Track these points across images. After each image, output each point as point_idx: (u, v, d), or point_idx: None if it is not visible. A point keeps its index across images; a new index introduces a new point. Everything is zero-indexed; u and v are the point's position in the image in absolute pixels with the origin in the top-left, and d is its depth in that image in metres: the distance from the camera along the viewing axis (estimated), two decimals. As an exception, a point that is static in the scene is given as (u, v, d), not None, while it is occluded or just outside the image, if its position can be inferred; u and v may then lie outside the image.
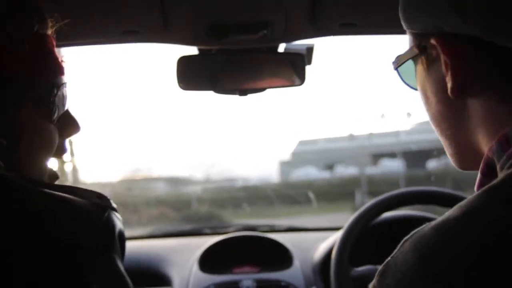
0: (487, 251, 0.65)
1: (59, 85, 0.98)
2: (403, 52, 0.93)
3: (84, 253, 0.80)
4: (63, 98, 0.99)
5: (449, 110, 0.86)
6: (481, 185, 0.80)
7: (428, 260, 0.68)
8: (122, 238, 0.87)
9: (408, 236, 0.75)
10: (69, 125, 1.03)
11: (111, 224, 0.85)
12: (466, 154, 0.89)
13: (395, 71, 0.97)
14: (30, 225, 0.79)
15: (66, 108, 1.02)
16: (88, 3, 1.38)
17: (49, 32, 0.98)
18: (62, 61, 0.99)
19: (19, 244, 0.77)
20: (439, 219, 0.72)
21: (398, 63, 0.95)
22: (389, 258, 0.76)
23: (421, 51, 0.87)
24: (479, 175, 0.82)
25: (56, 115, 0.98)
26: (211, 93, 1.68)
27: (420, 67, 0.89)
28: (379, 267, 0.78)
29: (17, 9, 0.92)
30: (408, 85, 0.97)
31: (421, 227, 0.75)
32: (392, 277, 0.73)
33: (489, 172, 0.79)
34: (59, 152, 1.02)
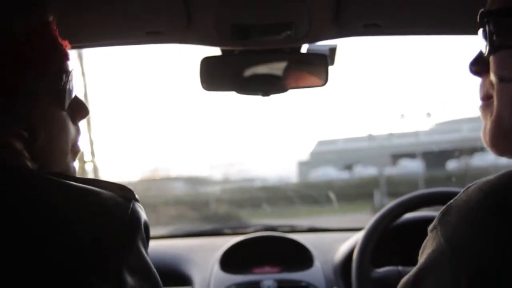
0: None
1: (68, 71, 1.00)
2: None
3: (113, 242, 0.83)
4: (72, 83, 1.01)
5: None
6: None
7: (492, 196, 0.77)
8: (146, 228, 0.90)
9: (471, 183, 0.82)
10: (78, 109, 1.05)
11: (137, 215, 0.88)
12: None
13: (489, 23, 0.90)
14: (62, 216, 0.82)
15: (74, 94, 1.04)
16: (113, 5, 1.39)
17: (51, 18, 0.98)
18: (66, 46, 1.00)
19: (52, 234, 0.80)
20: (504, 171, 0.80)
21: (502, 14, 0.88)
22: (451, 201, 0.83)
23: None
24: None
25: (67, 101, 1.00)
26: (231, 93, 1.69)
27: None
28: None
29: (20, 3, 0.93)
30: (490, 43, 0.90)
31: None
32: (456, 214, 0.80)
33: None
34: (75, 135, 1.04)
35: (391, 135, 18.87)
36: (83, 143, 1.06)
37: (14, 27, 0.90)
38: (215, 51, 1.65)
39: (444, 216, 0.81)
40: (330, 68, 1.65)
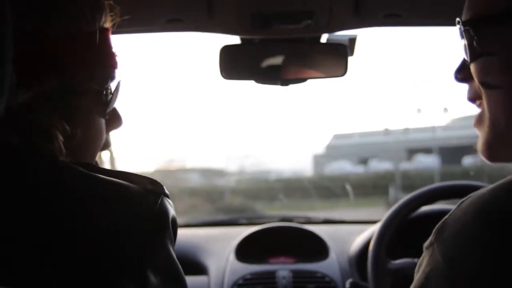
0: None
1: (114, 79, 1.00)
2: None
3: (139, 238, 0.82)
4: (117, 93, 1.01)
5: None
6: None
7: (487, 213, 0.77)
8: (174, 224, 0.89)
9: (465, 198, 0.82)
10: (114, 120, 1.06)
11: (164, 211, 0.87)
12: None
13: (467, 33, 0.90)
14: (91, 210, 0.82)
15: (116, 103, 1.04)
16: None
17: (109, 25, 1.00)
18: (117, 55, 1.00)
19: (79, 228, 0.80)
20: (496, 183, 0.80)
21: (478, 23, 0.88)
22: (446, 216, 0.83)
23: None
24: None
25: (108, 110, 1.00)
26: (248, 85, 1.69)
27: None
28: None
29: (90, 4, 0.94)
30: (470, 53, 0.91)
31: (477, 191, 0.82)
32: (451, 230, 0.80)
33: None
34: (105, 146, 1.05)
35: (407, 129, 18.80)
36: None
37: (76, 27, 0.92)
38: (235, 39, 1.65)
39: (440, 233, 0.81)
40: (349, 58, 1.65)
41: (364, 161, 19.54)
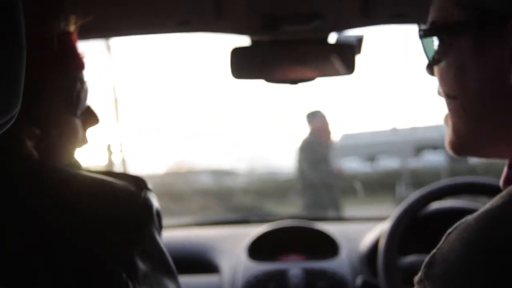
0: None
1: (82, 80, 1.04)
2: (441, 21, 0.87)
3: (125, 228, 0.88)
4: (86, 92, 1.05)
5: (494, 94, 0.81)
6: (508, 179, 0.83)
7: (475, 248, 0.71)
8: (159, 215, 0.94)
9: (452, 228, 0.78)
10: (89, 118, 1.09)
11: (148, 203, 0.93)
12: (478, 141, 0.88)
13: (423, 39, 0.92)
14: (79, 206, 0.86)
15: (87, 102, 1.08)
16: None
17: (72, 28, 1.03)
18: (83, 57, 1.04)
19: (68, 223, 0.84)
20: (481, 210, 0.75)
21: (433, 30, 0.89)
22: (434, 250, 0.79)
23: (478, 28, 0.80)
24: (506, 170, 0.84)
25: (80, 108, 1.04)
26: (255, 87, 1.70)
27: (467, 44, 0.83)
28: (426, 258, 0.80)
29: (45, 11, 0.98)
30: (428, 57, 0.91)
31: (463, 219, 0.77)
32: (440, 267, 0.75)
33: None
34: (82, 143, 1.08)
35: (414, 128, 18.74)
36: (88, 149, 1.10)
37: (39, 30, 0.95)
38: (244, 40, 1.67)
39: (430, 269, 0.77)
40: (357, 57, 1.66)
41: (372, 160, 19.48)
